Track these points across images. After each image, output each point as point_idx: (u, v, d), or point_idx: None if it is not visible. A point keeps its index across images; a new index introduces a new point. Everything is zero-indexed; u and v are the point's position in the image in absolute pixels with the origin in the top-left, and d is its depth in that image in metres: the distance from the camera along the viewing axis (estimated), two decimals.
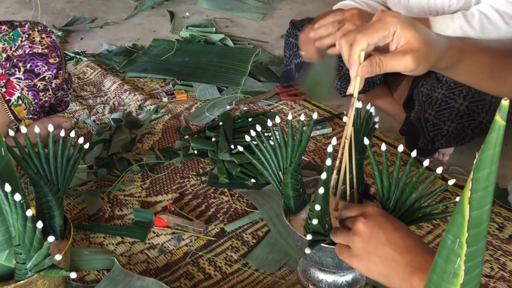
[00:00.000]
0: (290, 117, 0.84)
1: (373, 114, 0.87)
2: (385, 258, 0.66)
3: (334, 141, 0.75)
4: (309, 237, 0.76)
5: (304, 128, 0.84)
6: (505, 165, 1.29)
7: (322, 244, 0.78)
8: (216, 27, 2.12)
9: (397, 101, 1.47)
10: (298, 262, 0.97)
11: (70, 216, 1.10)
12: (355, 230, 0.70)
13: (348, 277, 0.91)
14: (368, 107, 0.87)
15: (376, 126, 0.89)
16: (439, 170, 0.73)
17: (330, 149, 0.75)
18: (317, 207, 0.73)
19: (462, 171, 1.26)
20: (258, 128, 0.86)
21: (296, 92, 1.58)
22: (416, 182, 0.75)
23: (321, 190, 0.72)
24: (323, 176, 0.73)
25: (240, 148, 0.93)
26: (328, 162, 0.74)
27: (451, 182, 0.74)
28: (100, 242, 1.04)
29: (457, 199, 0.72)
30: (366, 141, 0.80)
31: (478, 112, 1.13)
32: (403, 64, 0.65)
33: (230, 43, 1.97)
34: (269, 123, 0.85)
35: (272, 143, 0.85)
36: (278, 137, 0.83)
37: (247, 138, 0.88)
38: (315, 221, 0.74)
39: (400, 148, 0.77)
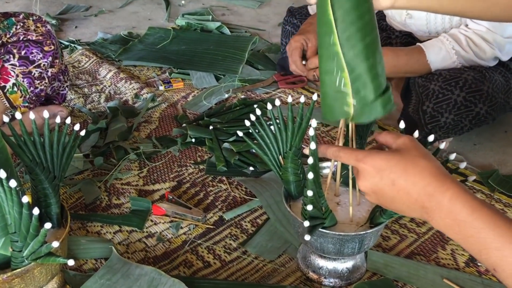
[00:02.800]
0: (290, 99, 0.82)
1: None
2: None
3: (314, 123, 0.72)
4: (306, 223, 0.75)
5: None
6: (505, 151, 1.28)
7: (323, 230, 0.78)
8: (213, 15, 2.10)
9: (395, 89, 1.46)
10: (298, 249, 0.96)
11: (67, 205, 1.09)
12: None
13: (349, 264, 0.90)
14: None
15: None
16: (463, 165, 0.73)
17: (311, 132, 0.72)
18: (309, 193, 0.72)
19: (462, 158, 1.25)
20: (258, 112, 0.84)
21: (294, 79, 1.57)
22: None
23: (310, 176, 0.71)
24: (310, 161, 0.71)
25: (240, 133, 0.91)
26: (312, 146, 0.71)
27: (471, 178, 0.76)
28: (97, 231, 1.03)
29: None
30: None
31: (475, 102, 1.12)
32: None
33: (226, 31, 1.95)
34: (269, 106, 0.84)
35: (272, 127, 0.83)
36: (277, 120, 0.82)
37: (247, 123, 0.86)
38: (309, 207, 0.73)
39: (402, 125, 0.76)
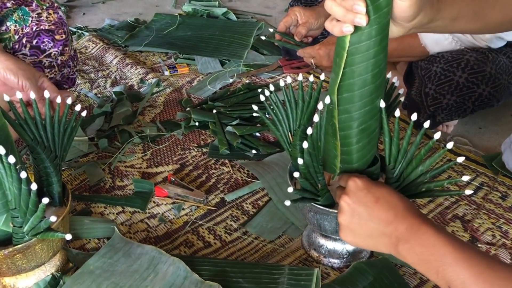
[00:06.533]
0: (300, 77, 0.83)
1: (396, 85, 0.84)
2: (370, 233, 0.68)
3: (327, 99, 0.71)
4: (290, 189, 0.75)
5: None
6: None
7: (318, 206, 0.78)
8: (219, 1, 2.10)
9: (400, 73, 1.45)
10: (301, 228, 0.97)
11: (71, 186, 1.10)
12: (339, 207, 0.71)
13: (350, 246, 0.90)
14: (395, 80, 0.83)
15: (402, 99, 0.85)
16: (450, 145, 0.70)
17: (320, 106, 0.72)
18: (300, 161, 0.72)
19: (466, 142, 1.24)
20: (272, 87, 0.85)
21: (299, 64, 1.56)
22: (424, 154, 0.72)
23: (305, 145, 0.71)
24: (309, 131, 0.71)
25: (255, 107, 0.91)
26: (316, 118, 0.72)
27: (459, 159, 0.71)
28: (100, 211, 1.04)
29: (464, 178, 0.71)
30: (382, 104, 0.72)
31: (478, 84, 1.11)
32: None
33: (233, 17, 1.95)
34: (281, 83, 0.85)
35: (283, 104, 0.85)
36: (288, 98, 0.84)
37: (262, 98, 0.87)
38: (296, 174, 0.74)
39: (414, 116, 0.72)
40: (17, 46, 1.23)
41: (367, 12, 0.61)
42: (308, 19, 1.39)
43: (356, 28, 0.63)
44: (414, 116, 0.71)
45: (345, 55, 0.65)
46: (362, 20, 0.61)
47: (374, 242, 0.68)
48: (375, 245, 0.69)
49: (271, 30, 1.44)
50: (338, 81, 0.68)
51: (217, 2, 2.08)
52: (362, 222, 0.68)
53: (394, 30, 0.67)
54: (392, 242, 0.66)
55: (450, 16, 0.71)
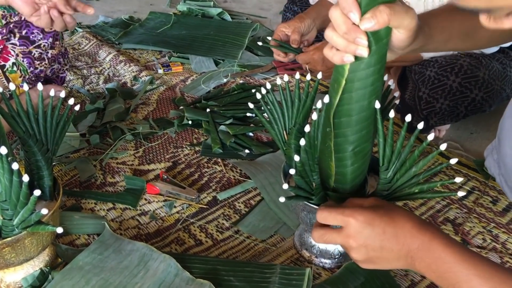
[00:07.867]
0: (297, 76, 0.83)
1: (392, 88, 0.84)
2: (386, 260, 0.69)
3: (326, 98, 0.71)
4: (285, 186, 0.75)
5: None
6: None
7: (311, 205, 0.78)
8: (214, 2, 2.10)
9: (394, 77, 1.46)
10: (290, 229, 0.97)
11: (62, 182, 1.09)
12: (349, 247, 0.70)
13: (341, 247, 0.90)
14: (390, 83, 0.84)
15: (397, 102, 0.85)
16: (443, 146, 0.70)
17: (319, 104, 0.72)
18: (296, 158, 0.72)
19: (458, 146, 1.25)
20: (268, 86, 0.85)
21: (293, 66, 1.57)
22: (418, 155, 0.71)
23: (302, 142, 0.71)
24: (307, 129, 0.71)
25: (251, 105, 0.91)
26: (314, 116, 0.72)
27: (453, 161, 0.70)
28: (91, 208, 1.03)
29: (456, 179, 0.71)
30: (377, 104, 0.70)
31: (471, 88, 1.12)
32: (410, 17, 0.61)
33: (228, 17, 1.95)
34: (278, 81, 0.85)
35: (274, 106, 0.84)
36: (285, 96, 0.83)
37: (258, 96, 0.86)
38: (292, 171, 0.73)
39: (408, 117, 0.71)
40: (4, 31, 1.22)
41: (368, 43, 0.61)
42: (294, 26, 1.39)
43: (356, 57, 0.63)
44: (408, 117, 0.71)
45: (344, 82, 0.65)
46: (364, 52, 0.61)
47: (392, 265, 0.70)
48: (395, 267, 0.70)
49: (269, 38, 1.44)
50: (335, 106, 0.68)
51: (212, 3, 2.08)
52: (378, 253, 0.68)
53: (387, 55, 0.69)
54: (408, 263, 0.67)
55: (441, 40, 0.73)
